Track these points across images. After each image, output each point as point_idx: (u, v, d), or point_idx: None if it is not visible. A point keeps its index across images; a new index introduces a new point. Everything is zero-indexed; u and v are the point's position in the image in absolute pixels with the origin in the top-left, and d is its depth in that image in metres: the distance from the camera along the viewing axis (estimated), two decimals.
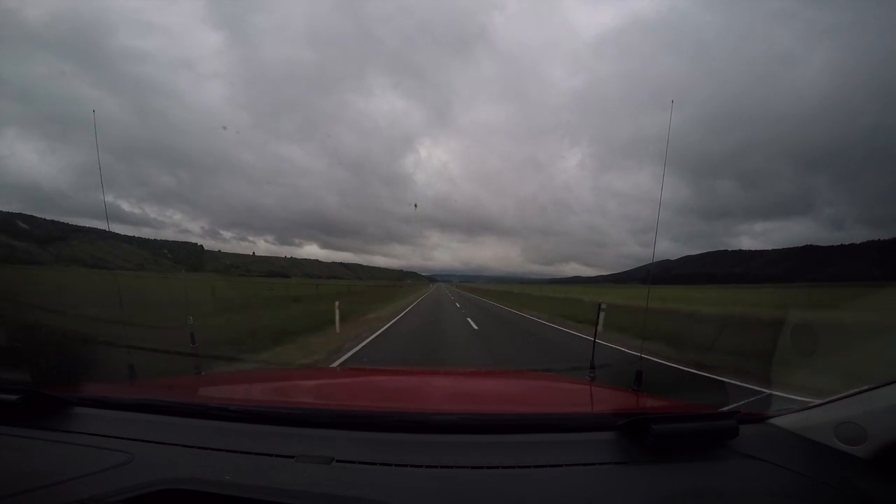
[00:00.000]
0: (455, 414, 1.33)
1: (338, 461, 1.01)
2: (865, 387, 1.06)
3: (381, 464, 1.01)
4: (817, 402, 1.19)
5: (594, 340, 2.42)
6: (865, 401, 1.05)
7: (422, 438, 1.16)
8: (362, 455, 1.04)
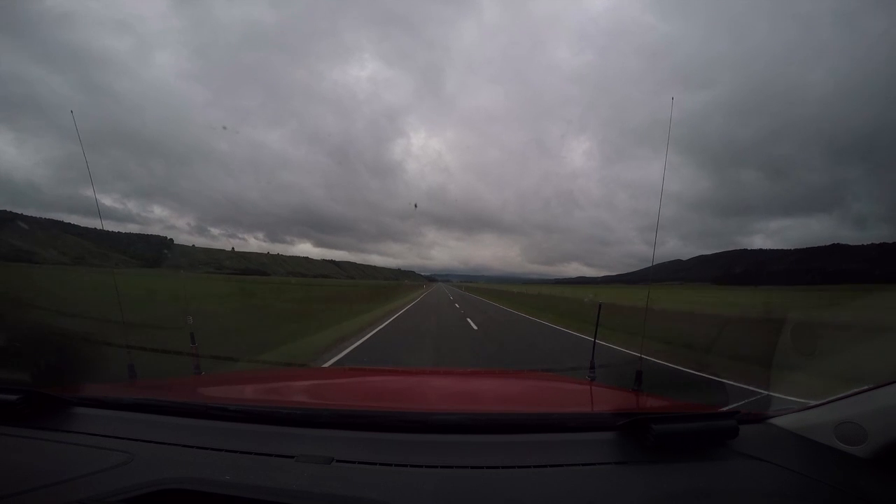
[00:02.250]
0: (455, 414, 1.33)
1: (338, 461, 1.01)
2: (865, 387, 1.06)
3: (381, 464, 1.01)
4: (817, 402, 1.19)
5: (594, 340, 2.44)
6: (865, 401, 1.05)
7: (422, 438, 1.16)
8: (362, 455, 1.04)
